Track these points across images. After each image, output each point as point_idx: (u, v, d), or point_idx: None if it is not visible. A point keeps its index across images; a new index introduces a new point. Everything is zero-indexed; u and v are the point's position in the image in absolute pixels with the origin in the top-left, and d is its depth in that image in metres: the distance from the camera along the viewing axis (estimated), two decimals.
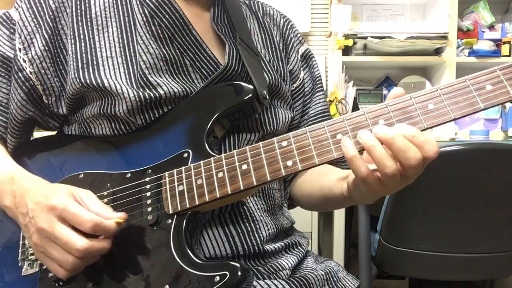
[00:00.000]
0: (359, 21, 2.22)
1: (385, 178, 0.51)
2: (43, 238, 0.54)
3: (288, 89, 0.80)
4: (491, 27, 2.17)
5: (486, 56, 2.04)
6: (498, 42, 2.08)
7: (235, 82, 0.68)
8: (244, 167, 0.56)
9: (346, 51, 2.10)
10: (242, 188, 0.55)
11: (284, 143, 0.55)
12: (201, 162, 0.59)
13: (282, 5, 2.11)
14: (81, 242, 0.51)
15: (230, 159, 0.57)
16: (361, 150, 0.52)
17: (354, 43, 2.03)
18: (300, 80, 0.84)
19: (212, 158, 0.59)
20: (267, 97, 0.70)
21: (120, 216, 0.55)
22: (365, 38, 2.00)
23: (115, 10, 0.69)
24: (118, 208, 0.59)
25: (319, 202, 0.75)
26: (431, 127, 0.51)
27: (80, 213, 0.52)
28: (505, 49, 2.05)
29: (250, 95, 0.65)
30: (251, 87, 0.66)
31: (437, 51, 2.10)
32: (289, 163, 0.54)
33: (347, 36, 2.03)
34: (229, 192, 0.56)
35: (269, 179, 0.55)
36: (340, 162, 0.82)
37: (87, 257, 0.53)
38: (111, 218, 0.54)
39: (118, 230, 0.55)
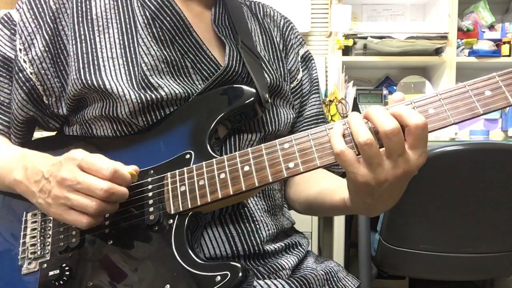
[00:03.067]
0: (359, 21, 2.23)
1: (362, 151, 0.50)
2: (64, 187, 0.55)
3: (288, 88, 0.80)
4: (491, 27, 2.17)
5: (486, 56, 2.04)
6: (498, 42, 2.07)
7: (237, 85, 0.68)
8: (246, 168, 0.56)
9: (346, 51, 2.10)
10: (244, 189, 0.56)
11: (286, 145, 0.56)
12: (203, 163, 0.59)
13: (282, 5, 2.11)
14: (104, 183, 0.54)
15: (232, 160, 0.57)
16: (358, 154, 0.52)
17: (354, 43, 2.03)
18: (297, 81, 0.84)
19: (214, 159, 0.59)
20: (269, 100, 0.70)
21: (134, 168, 0.58)
22: (365, 38, 2.01)
23: (116, 11, 0.69)
24: (120, 207, 0.59)
25: (315, 207, 0.74)
26: (431, 131, 0.51)
27: (98, 161, 0.55)
28: (505, 49, 2.04)
29: (252, 98, 0.66)
30: (253, 90, 0.66)
31: (437, 51, 2.10)
32: (291, 164, 0.55)
33: (347, 36, 2.03)
34: (231, 193, 0.56)
35: (271, 180, 0.55)
36: (334, 165, 0.82)
37: (110, 200, 0.55)
38: (126, 169, 0.57)
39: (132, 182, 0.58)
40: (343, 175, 0.81)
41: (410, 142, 0.49)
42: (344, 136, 0.52)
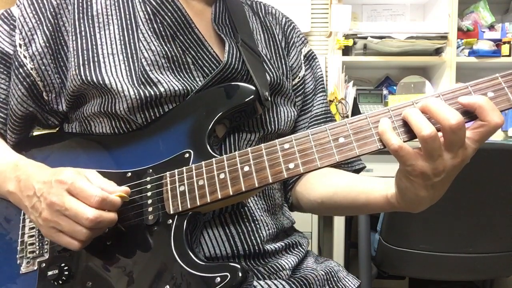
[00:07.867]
0: (359, 21, 2.22)
1: (425, 145, 0.49)
2: (54, 212, 0.55)
3: (290, 86, 0.80)
4: (491, 27, 2.17)
5: (486, 56, 2.04)
6: (498, 42, 2.08)
7: (237, 83, 0.68)
8: (246, 168, 0.56)
9: (346, 51, 2.10)
10: (243, 189, 0.55)
11: (286, 146, 0.55)
12: (203, 162, 0.59)
13: (282, 5, 2.10)
14: (91, 212, 0.53)
15: (232, 160, 0.57)
16: (406, 140, 0.51)
17: (354, 43, 2.03)
18: (299, 78, 0.84)
19: (213, 159, 0.59)
20: (269, 98, 0.70)
21: (123, 190, 0.57)
22: (365, 38, 2.01)
23: (117, 8, 0.69)
24: (120, 207, 0.58)
25: (332, 203, 0.72)
26: None
27: (87, 188, 0.54)
28: (505, 49, 2.05)
29: (252, 96, 0.65)
30: (253, 88, 0.66)
31: (437, 51, 2.10)
32: (291, 165, 0.54)
33: (347, 36, 2.03)
34: (231, 193, 0.56)
35: (271, 181, 0.55)
36: (345, 165, 0.81)
37: (97, 228, 0.54)
38: (115, 192, 0.56)
39: (122, 204, 0.57)
40: (355, 172, 0.81)
41: (479, 135, 0.50)
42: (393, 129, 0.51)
